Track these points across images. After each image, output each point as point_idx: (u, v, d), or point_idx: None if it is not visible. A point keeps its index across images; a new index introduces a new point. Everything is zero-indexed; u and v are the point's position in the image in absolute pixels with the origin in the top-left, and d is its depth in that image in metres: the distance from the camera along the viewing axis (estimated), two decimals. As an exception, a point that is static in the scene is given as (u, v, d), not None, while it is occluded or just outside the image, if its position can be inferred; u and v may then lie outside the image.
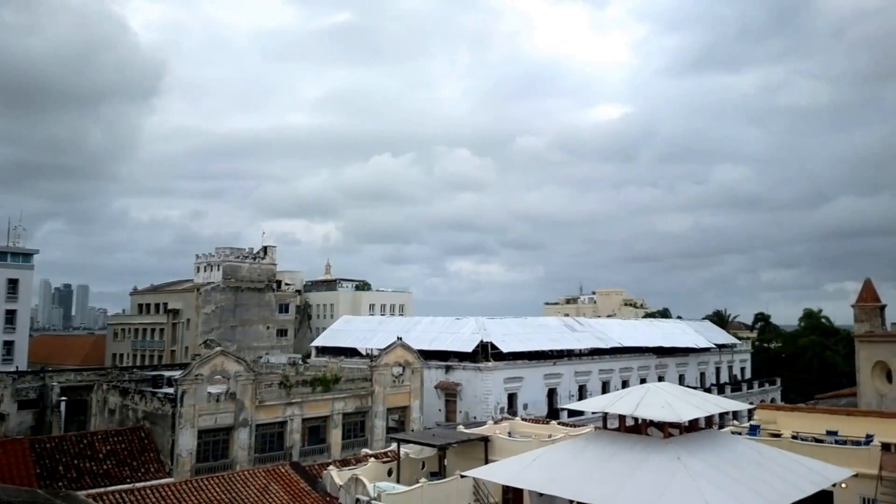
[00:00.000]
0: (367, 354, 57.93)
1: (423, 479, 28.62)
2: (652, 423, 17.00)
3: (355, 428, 45.34)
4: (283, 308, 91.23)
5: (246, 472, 30.16)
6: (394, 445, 34.06)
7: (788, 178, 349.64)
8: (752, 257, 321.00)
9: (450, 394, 55.32)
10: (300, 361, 62.16)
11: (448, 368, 55.90)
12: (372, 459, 32.20)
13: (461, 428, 38.21)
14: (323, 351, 68.70)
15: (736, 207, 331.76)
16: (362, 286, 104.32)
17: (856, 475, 21.53)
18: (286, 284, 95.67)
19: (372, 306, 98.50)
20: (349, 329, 70.26)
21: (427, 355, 54.11)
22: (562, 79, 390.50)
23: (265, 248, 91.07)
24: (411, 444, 33.84)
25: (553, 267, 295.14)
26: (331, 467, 30.60)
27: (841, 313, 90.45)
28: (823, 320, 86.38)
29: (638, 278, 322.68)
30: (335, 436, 43.80)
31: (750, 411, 39.97)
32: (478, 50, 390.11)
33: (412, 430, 45.10)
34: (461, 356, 56.10)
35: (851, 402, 45.85)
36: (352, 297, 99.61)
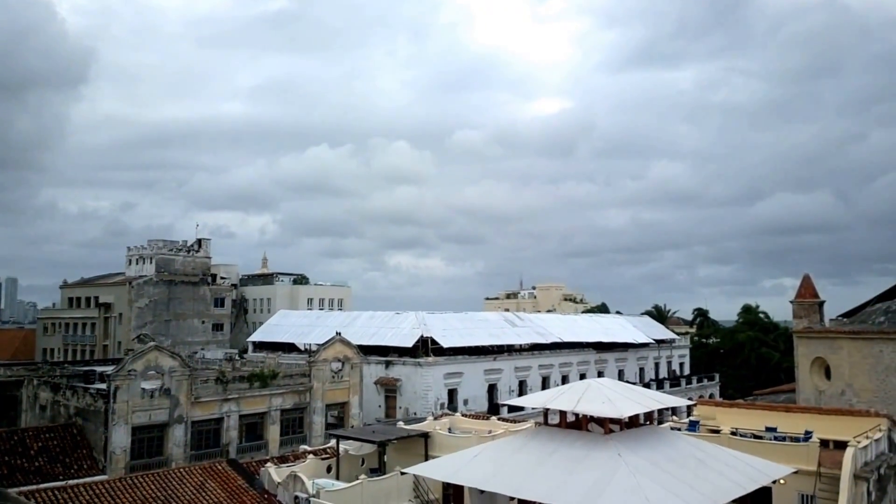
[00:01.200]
0: (306, 350, 56.97)
1: (362, 476, 28.32)
2: (593, 419, 16.78)
3: (294, 424, 44.70)
4: (219, 302, 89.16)
5: (182, 470, 29.58)
6: (333, 442, 33.61)
7: (725, 174, 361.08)
8: (690, 253, 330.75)
9: (390, 389, 54.90)
10: (237, 357, 60.75)
11: (388, 364, 55.48)
12: (311, 456, 31.83)
13: (401, 424, 37.98)
14: (260, 346, 67.42)
15: (673, 203, 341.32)
16: (300, 280, 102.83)
17: (795, 472, 21.96)
18: (221, 278, 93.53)
19: (310, 301, 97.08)
20: (287, 324, 69.14)
21: (366, 350, 53.59)
22: (501, 72, 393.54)
23: (199, 241, 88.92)
24: (351, 441, 33.46)
25: (493, 261, 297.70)
26: (269, 464, 29.98)
27: (779, 309, 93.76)
28: (761, 316, 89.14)
29: (577, 273, 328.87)
30: (273, 432, 43.14)
31: (688, 407, 40.73)
32: (417, 41, 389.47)
33: (352, 427, 44.69)
34: (401, 351, 55.79)
35: (790, 398, 47.24)
36: (289, 291, 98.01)
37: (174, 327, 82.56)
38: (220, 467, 29.78)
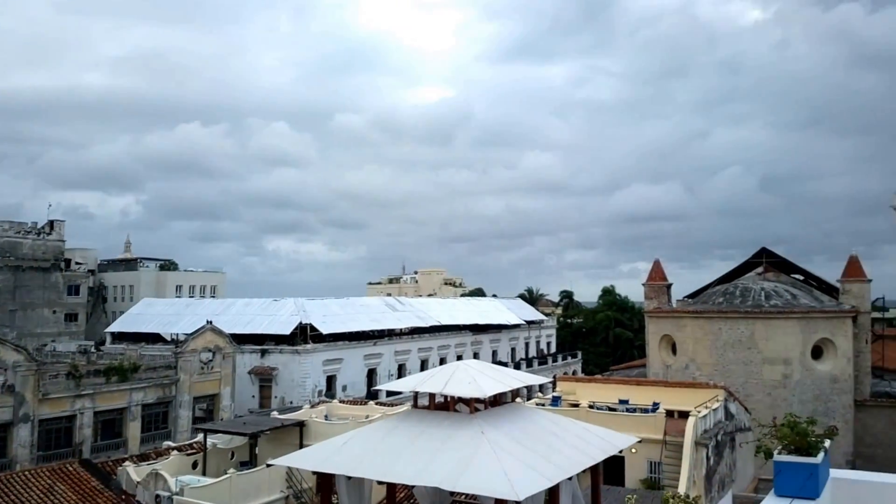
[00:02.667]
0: (172, 340, 54.63)
1: (231, 470, 27.74)
2: (461, 400, 17.56)
3: (157, 419, 42.88)
4: (73, 290, 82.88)
5: (27, 473, 27.46)
6: (200, 436, 32.57)
7: (589, 165, 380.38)
8: (558, 239, 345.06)
9: (265, 379, 53.85)
10: (93, 349, 57.24)
11: (264, 352, 54.34)
12: (175, 452, 30.61)
13: (275, 414, 37.47)
14: (120, 337, 63.74)
15: (544, 192, 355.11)
16: (167, 266, 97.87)
17: (640, 441, 23.84)
18: (77, 263, 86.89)
19: (179, 288, 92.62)
20: (151, 313, 65.71)
21: (241, 339, 52.27)
22: (385, 57, 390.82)
23: (52, 223, 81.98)
24: (220, 434, 32.62)
25: (376, 246, 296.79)
26: (127, 463, 28.64)
27: (635, 291, 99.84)
28: (619, 297, 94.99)
29: (457, 258, 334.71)
30: (133, 429, 41.19)
31: (553, 383, 43.00)
32: (300, 19, 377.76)
33: (221, 419, 43.50)
34: (278, 339, 54.82)
35: (642, 372, 50.96)
36: (155, 277, 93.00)
37: (20, 318, 75.88)
38: (71, 468, 28.02)
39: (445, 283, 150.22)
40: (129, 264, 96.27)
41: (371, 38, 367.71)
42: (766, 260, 52.66)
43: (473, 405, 17.66)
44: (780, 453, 6.04)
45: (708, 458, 28.97)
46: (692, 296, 52.54)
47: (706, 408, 30.62)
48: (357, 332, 58.92)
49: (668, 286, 50.73)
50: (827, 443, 6.23)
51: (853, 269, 48.00)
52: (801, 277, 53.57)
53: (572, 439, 16.21)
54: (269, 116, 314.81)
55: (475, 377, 16.87)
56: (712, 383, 35.78)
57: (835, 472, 6.55)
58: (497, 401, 18.00)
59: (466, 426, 16.03)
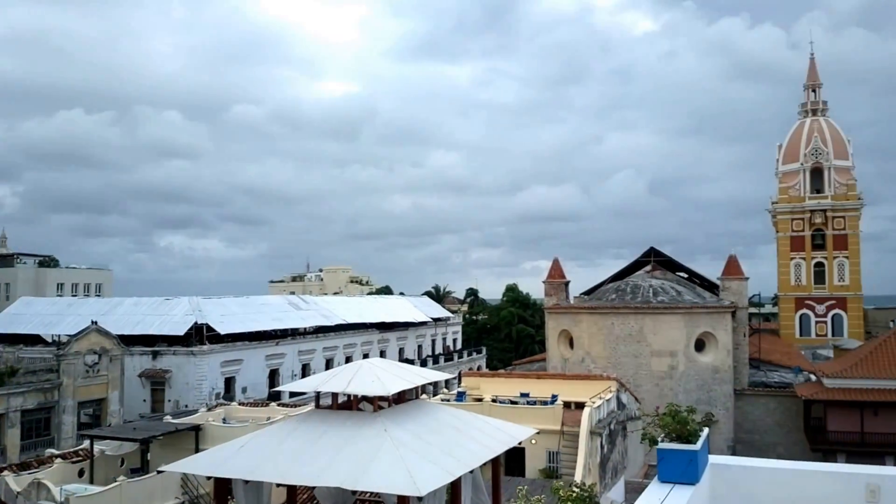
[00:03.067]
0: (54, 342, 51.34)
1: (121, 478, 26.49)
2: (364, 398, 17.42)
3: (38, 426, 40.22)
4: (-59, 289, 76.64)
5: None
6: (86, 443, 30.89)
7: (493, 166, 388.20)
8: (464, 237, 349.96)
9: (157, 382, 51.47)
10: (-34, 353, 52.91)
11: (156, 354, 51.93)
12: (59, 460, 28.93)
13: (169, 418, 36.04)
14: (-4, 339, 59.30)
15: (449, 191, 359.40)
16: (47, 262, 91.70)
17: (538, 432, 24.50)
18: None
19: (60, 286, 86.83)
20: (30, 313, 61.12)
21: (130, 341, 49.83)
22: (287, 48, 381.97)
23: (-83, 218, 75.35)
24: (108, 441, 31.08)
25: (278, 243, 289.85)
26: (5, 472, 26.77)
27: (536, 288, 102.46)
28: (522, 294, 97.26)
29: (364, 255, 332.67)
30: (12, 437, 38.45)
31: (459, 379, 43.53)
32: (195, 4, 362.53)
33: (110, 425, 41.36)
34: (172, 340, 52.55)
35: (542, 366, 52.39)
36: (34, 274, 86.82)
37: None
38: (-61, 480, 25.99)
39: (352, 281, 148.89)
40: (6, 260, 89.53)
41: (271, 26, 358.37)
42: (654, 259, 55.35)
43: (377, 403, 17.60)
44: (662, 441, 6.37)
45: (602, 447, 30.16)
46: (588, 293, 54.51)
47: (600, 399, 31.87)
48: (258, 332, 57.35)
49: (566, 283, 52.40)
50: (706, 430, 6.62)
51: (732, 268, 51.19)
52: (686, 275, 56.67)
53: (474, 433, 16.46)
54: (161, 105, 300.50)
55: (379, 375, 16.81)
56: (606, 375, 37.28)
57: (713, 458, 6.97)
58: (401, 398, 18.02)
59: (370, 425, 15.96)
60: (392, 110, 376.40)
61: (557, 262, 53.16)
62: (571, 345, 48.34)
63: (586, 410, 29.70)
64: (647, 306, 46.01)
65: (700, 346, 46.54)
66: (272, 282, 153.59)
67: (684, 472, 6.02)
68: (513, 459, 29.35)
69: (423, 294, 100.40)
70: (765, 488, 6.67)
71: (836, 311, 68.68)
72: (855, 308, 68.74)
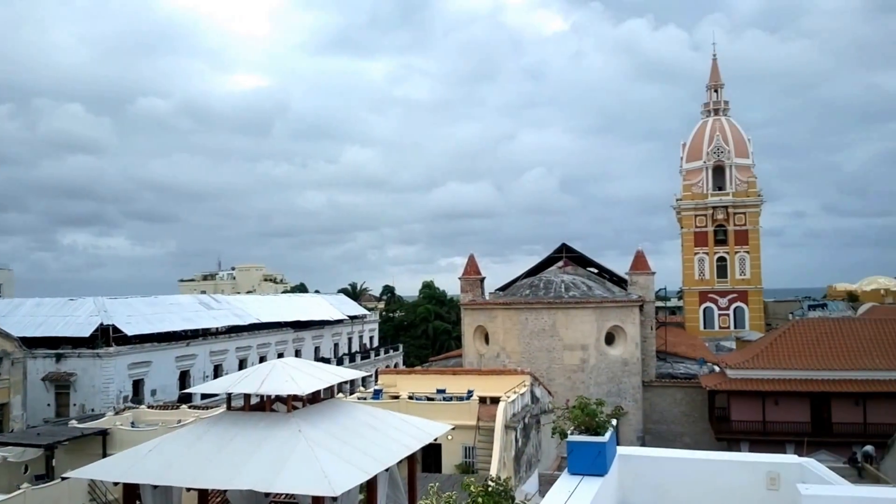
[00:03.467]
0: (-54, 346, 47.81)
1: (25, 485, 25.04)
2: (278, 399, 17.03)
3: (-71, 436, 37.35)
4: None
5: None
6: (-17, 451, 29.00)
7: (408, 163, 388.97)
8: (380, 234, 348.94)
9: (61, 386, 48.76)
10: None
11: (60, 357, 49.17)
12: (-48, 470, 27.08)
13: (74, 423, 34.28)
14: None
15: (365, 187, 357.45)
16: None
17: (454, 428, 24.61)
18: None
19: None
20: (-80, 316, 57.02)
21: (32, 343, 47.02)
22: (195, 39, 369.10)
23: None
24: (10, 447, 29.41)
25: (188, 241, 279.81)
26: None
27: (452, 284, 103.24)
28: (438, 291, 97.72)
29: (278, 253, 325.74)
30: None
31: (375, 376, 43.23)
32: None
33: (12, 431, 38.97)
34: (76, 342, 49.87)
35: (458, 362, 52.76)
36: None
37: None
38: None
39: (265, 280, 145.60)
40: None
41: (180, 17, 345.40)
42: (566, 255, 56.74)
43: (291, 404, 17.23)
44: (572, 434, 6.46)
45: (516, 441, 30.61)
46: (503, 288, 55.29)
47: (514, 393, 32.33)
48: (167, 333, 55.20)
49: (482, 280, 52.96)
50: (614, 422, 6.76)
51: (640, 263, 53.08)
52: (596, 270, 58.37)
53: (390, 431, 16.37)
54: (62, 98, 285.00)
55: (293, 375, 16.46)
56: (520, 370, 37.89)
57: (622, 450, 7.13)
58: (315, 398, 17.72)
59: (283, 425, 15.60)
60: (305, 105, 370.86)
61: (473, 258, 53.65)
62: (487, 340, 48.89)
63: (501, 405, 30.08)
64: (559, 301, 47.07)
65: (610, 339, 48.01)
66: (182, 281, 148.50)
67: (593, 463, 6.13)
68: (429, 456, 29.41)
69: (339, 292, 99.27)
70: (671, 478, 6.88)
71: (738, 304, 72.43)
72: (756, 301, 72.68)
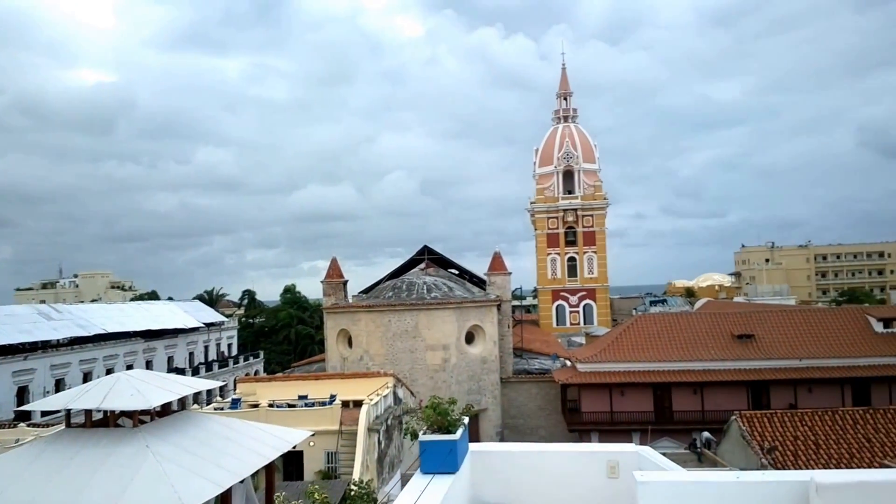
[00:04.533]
0: None
1: None
2: (123, 413, 15.77)
3: None
4: None
5: None
6: None
7: (266, 164, 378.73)
8: (238, 238, 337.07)
9: None
10: None
11: None
12: None
13: None
14: None
15: (220, 189, 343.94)
16: None
17: (314, 434, 24.17)
18: None
19: None
20: None
21: None
22: (30, 31, 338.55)
23: None
24: None
25: (24, 247, 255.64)
26: None
27: (315, 288, 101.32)
28: (300, 295, 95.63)
29: (126, 259, 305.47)
30: None
31: (236, 385, 41.54)
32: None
33: None
34: None
35: (321, 367, 51.87)
36: None
37: None
38: None
39: (112, 287, 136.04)
40: None
41: (15, 6, 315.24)
42: (428, 256, 57.52)
43: (138, 418, 16.18)
44: (424, 433, 6.51)
45: (379, 443, 30.58)
46: (366, 291, 55.08)
47: (377, 395, 32.30)
48: (2, 346, 50.09)
49: (345, 283, 52.43)
50: (466, 420, 6.88)
51: (497, 264, 54.81)
52: (457, 272, 59.64)
53: (247, 441, 15.77)
54: None
55: (139, 388, 15.42)
56: (383, 372, 37.90)
57: (473, 446, 7.28)
58: (165, 411, 16.72)
59: (129, 441, 14.60)
60: (153, 102, 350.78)
61: (335, 261, 53.01)
62: (350, 344, 48.46)
63: (364, 408, 29.94)
64: (421, 303, 47.58)
65: (470, 338, 49.15)
66: (19, 290, 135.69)
67: (444, 462, 6.21)
68: (291, 463, 28.70)
69: (194, 298, 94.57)
70: (520, 472, 7.11)
71: (587, 301, 76.59)
72: (603, 298, 77.17)
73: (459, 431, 6.50)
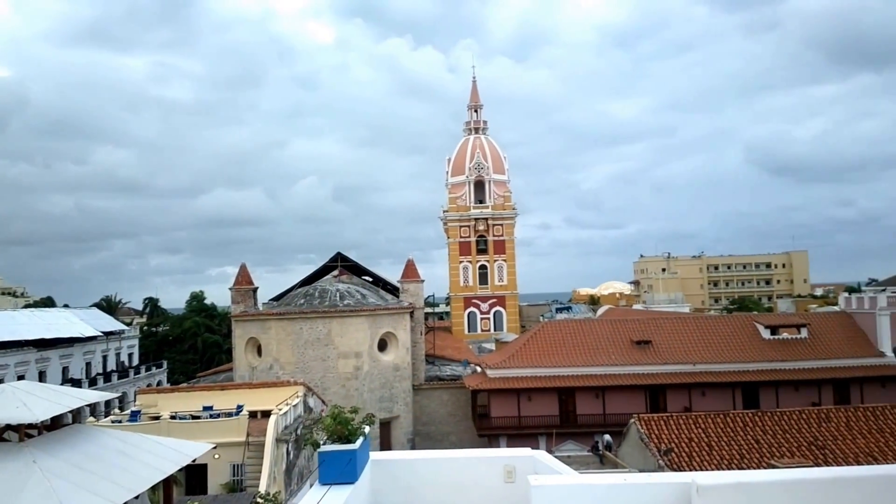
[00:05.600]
0: None
1: None
2: (9, 427, 15.01)
3: None
4: None
5: None
6: None
7: (170, 166, 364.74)
8: (140, 242, 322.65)
9: None
10: None
11: None
12: None
13: None
14: None
15: (121, 191, 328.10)
16: None
17: (215, 447, 23.46)
18: None
19: None
20: None
21: None
22: None
23: None
24: None
25: None
26: None
27: (223, 296, 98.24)
28: (207, 302, 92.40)
29: (16, 264, 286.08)
30: None
31: (135, 397, 39.64)
32: None
33: None
34: None
35: (229, 376, 50.28)
36: None
37: None
38: None
39: (2, 293, 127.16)
40: None
41: None
42: (341, 263, 56.91)
43: (24, 432, 15.22)
44: (325, 444, 6.43)
45: (288, 454, 29.90)
46: (277, 298, 53.86)
47: (287, 405, 31.58)
48: None
49: (255, 290, 51.10)
50: (367, 429, 6.84)
51: (410, 271, 54.88)
52: (371, 279, 59.27)
53: (143, 455, 15.10)
54: None
55: (26, 400, 14.55)
56: (293, 381, 37.12)
57: (374, 455, 7.25)
58: (55, 424, 15.82)
59: (15, 456, 13.74)
60: (48, 99, 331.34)
61: (245, 267, 51.57)
62: (260, 352, 47.22)
63: (272, 418, 29.22)
64: (334, 310, 46.95)
65: (382, 345, 48.90)
66: None
67: (343, 472, 6.14)
68: (194, 477, 27.65)
69: (91, 306, 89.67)
70: (421, 480, 7.13)
71: (497, 308, 77.82)
72: (512, 305, 78.63)
73: (359, 441, 6.44)
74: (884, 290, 60.02)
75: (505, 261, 77.92)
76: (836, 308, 60.83)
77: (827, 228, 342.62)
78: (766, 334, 49.94)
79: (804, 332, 49.73)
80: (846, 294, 61.30)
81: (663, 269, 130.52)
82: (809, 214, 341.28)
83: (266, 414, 30.57)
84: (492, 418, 47.45)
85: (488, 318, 77.62)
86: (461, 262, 77.69)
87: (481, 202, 78.54)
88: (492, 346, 67.94)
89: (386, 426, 47.00)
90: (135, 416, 31.22)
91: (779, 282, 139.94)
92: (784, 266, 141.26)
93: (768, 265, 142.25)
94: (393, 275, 58.34)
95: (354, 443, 6.29)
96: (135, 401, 39.18)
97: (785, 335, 49.90)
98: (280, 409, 30.28)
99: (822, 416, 32.92)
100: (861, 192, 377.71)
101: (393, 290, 56.45)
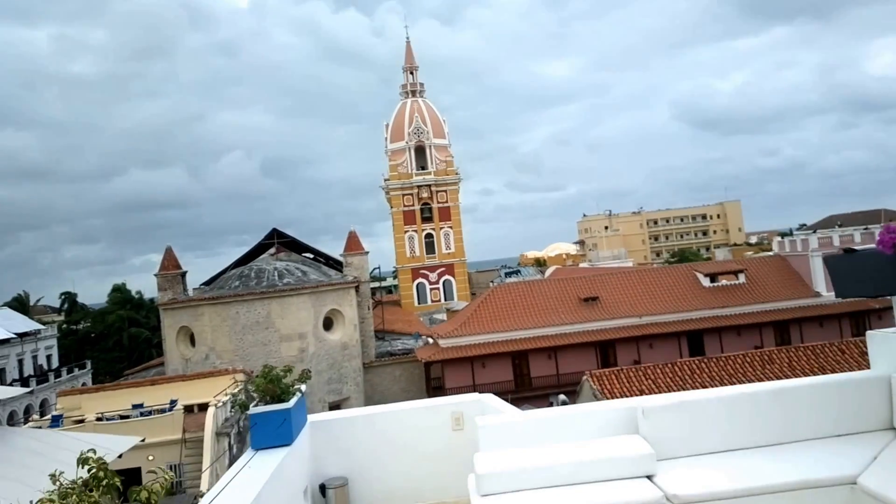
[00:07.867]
0: None
1: None
2: None
3: None
4: None
5: None
6: None
7: (78, 148, 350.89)
8: (51, 233, 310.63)
9: None
10: None
11: None
12: None
13: None
14: None
15: (24, 178, 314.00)
16: None
17: (143, 440, 22.76)
18: None
19: None
20: None
21: None
22: None
23: None
24: None
25: None
26: None
27: (150, 285, 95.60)
28: (132, 294, 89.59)
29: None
30: None
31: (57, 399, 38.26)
32: None
33: None
34: None
35: (160, 371, 48.94)
36: None
37: None
38: None
39: None
40: None
41: None
42: (278, 241, 55.80)
43: (-78, 442, 14.35)
44: (256, 405, 6.07)
45: (231, 447, 29.26)
46: (209, 283, 52.47)
47: (226, 395, 30.88)
48: None
49: (183, 274, 49.62)
50: (302, 387, 6.49)
51: (353, 244, 54.23)
52: (311, 255, 58.36)
53: (61, 454, 14.40)
54: None
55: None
56: (232, 369, 36.38)
57: (312, 417, 6.92)
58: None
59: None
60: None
61: (171, 251, 49.94)
62: (193, 342, 46.05)
63: (210, 411, 28.54)
64: (273, 290, 46.04)
65: (328, 324, 48.34)
66: None
67: (277, 434, 5.79)
68: (127, 483, 26.80)
69: (2, 306, 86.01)
70: (365, 438, 6.86)
71: (447, 277, 77.87)
72: (461, 273, 78.81)
73: (294, 400, 6.08)
74: (814, 233, 62.90)
75: (451, 228, 77.82)
76: (770, 253, 63.54)
77: (756, 178, 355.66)
78: (706, 282, 52.10)
79: (742, 278, 52.15)
80: (779, 238, 64.33)
81: (606, 227, 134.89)
82: (737, 165, 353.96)
83: (203, 407, 29.87)
84: (446, 389, 47.68)
85: (438, 288, 77.63)
86: (406, 231, 77.22)
87: (423, 168, 77.98)
88: (443, 316, 68.01)
89: (336, 409, 46.63)
90: (56, 420, 30.10)
91: (715, 232, 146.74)
92: (719, 217, 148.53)
93: (704, 217, 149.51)
94: (335, 251, 57.60)
95: (288, 402, 5.95)
96: (56, 405, 37.81)
97: (724, 282, 52.33)
98: (219, 401, 29.58)
99: (766, 358, 34.96)
100: (785, 142, 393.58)
101: (336, 265, 55.72)
